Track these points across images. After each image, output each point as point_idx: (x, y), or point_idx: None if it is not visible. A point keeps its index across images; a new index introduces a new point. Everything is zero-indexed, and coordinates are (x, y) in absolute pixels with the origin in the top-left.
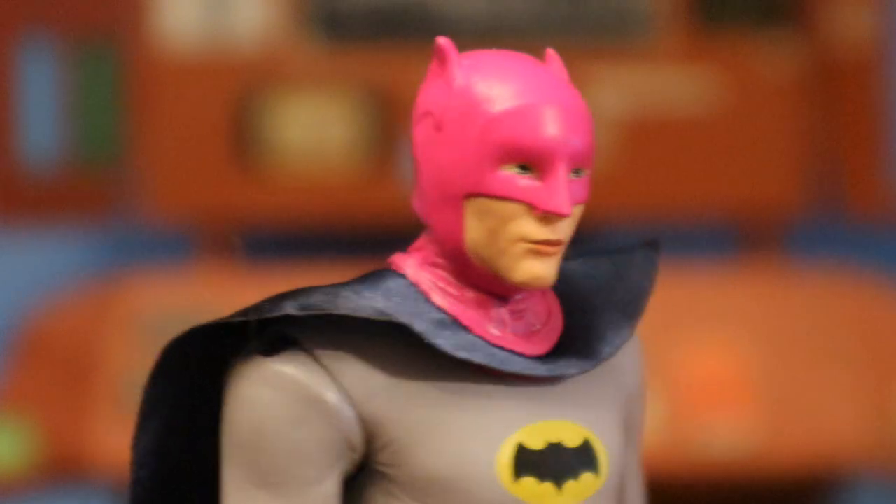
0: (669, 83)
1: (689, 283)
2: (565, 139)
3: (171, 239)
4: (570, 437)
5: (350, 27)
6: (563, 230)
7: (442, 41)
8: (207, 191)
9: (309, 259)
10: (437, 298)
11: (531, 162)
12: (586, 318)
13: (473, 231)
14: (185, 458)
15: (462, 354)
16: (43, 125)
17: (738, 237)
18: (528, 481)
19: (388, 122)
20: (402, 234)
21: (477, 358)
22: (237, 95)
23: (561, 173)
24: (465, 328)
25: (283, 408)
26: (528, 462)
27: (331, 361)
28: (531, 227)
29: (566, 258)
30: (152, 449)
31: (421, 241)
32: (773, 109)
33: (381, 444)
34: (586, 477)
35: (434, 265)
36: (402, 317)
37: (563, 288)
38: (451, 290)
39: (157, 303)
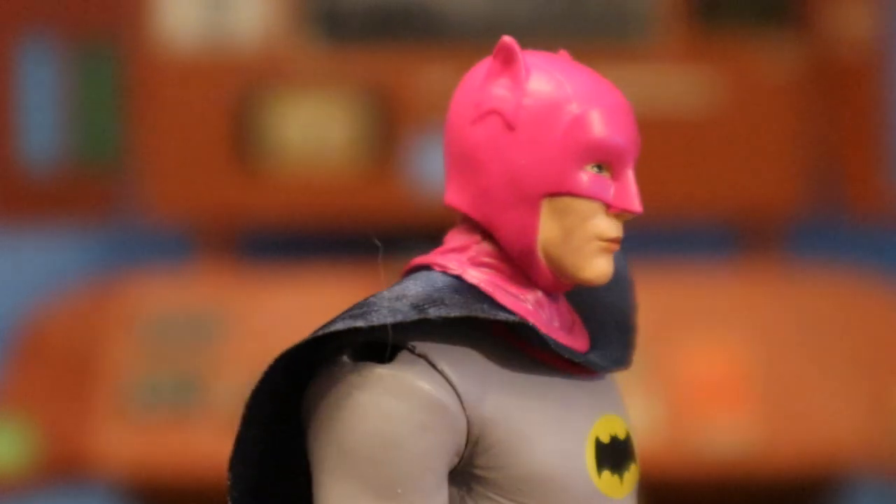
0: (669, 83)
1: (688, 284)
2: (637, 139)
3: (171, 239)
4: (621, 429)
5: (350, 27)
6: (622, 228)
7: (507, 40)
8: (207, 191)
9: (309, 259)
10: (502, 299)
11: (608, 161)
12: (594, 314)
13: (550, 231)
14: (282, 468)
15: (566, 355)
16: (43, 125)
17: (737, 237)
18: (607, 474)
19: (388, 121)
20: (401, 234)
21: (574, 357)
22: (237, 95)
23: (630, 172)
24: (535, 327)
25: (408, 416)
26: (603, 455)
27: (446, 366)
28: (606, 225)
29: None
30: (248, 460)
31: (462, 241)
32: (772, 110)
33: (485, 447)
34: (633, 468)
35: (486, 266)
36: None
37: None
38: (511, 290)
39: (157, 303)
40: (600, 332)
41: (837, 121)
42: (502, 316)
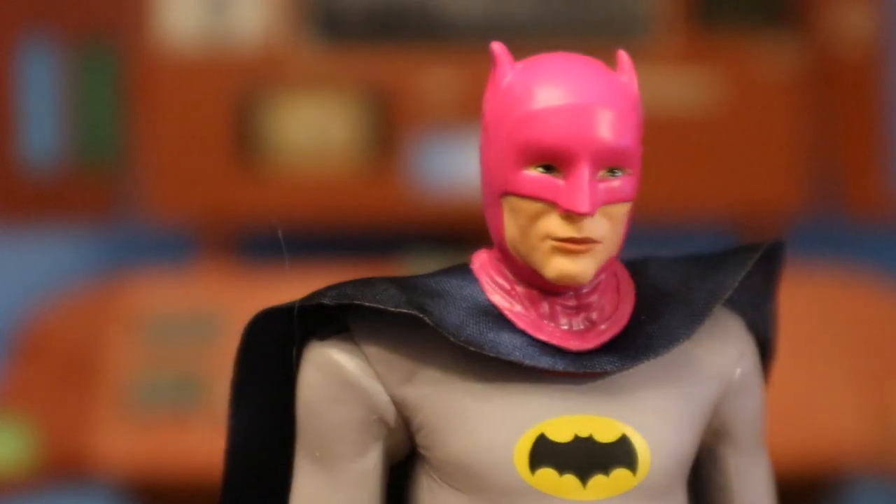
0: (670, 84)
1: None
2: (587, 140)
3: (171, 239)
4: (604, 432)
5: (350, 28)
6: (593, 229)
7: (495, 47)
8: (207, 191)
9: (309, 259)
10: (490, 291)
11: (554, 162)
12: (653, 316)
13: (510, 229)
14: (275, 438)
15: (473, 347)
16: (44, 125)
17: (737, 237)
18: (547, 472)
19: (388, 122)
20: (402, 234)
21: (491, 351)
22: (237, 96)
23: (583, 173)
24: (510, 321)
25: (324, 388)
26: (548, 454)
27: (370, 347)
28: (556, 225)
29: (653, 257)
30: (246, 430)
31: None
32: (772, 110)
33: (416, 427)
34: (620, 473)
35: (496, 260)
36: (436, 308)
37: (643, 285)
38: (504, 283)
39: (157, 303)
40: (642, 328)
41: (837, 121)
42: (384, 305)
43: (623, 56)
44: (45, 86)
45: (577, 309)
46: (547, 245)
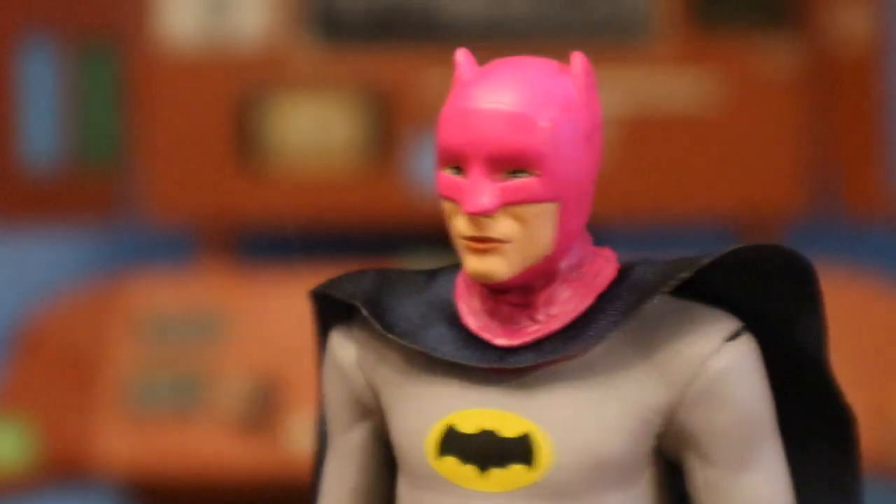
0: (669, 84)
1: None
2: (478, 142)
3: (171, 239)
4: (508, 427)
5: (350, 28)
6: (496, 228)
7: (459, 55)
8: (207, 191)
9: (309, 259)
10: (460, 287)
11: (457, 163)
12: (594, 316)
13: (451, 228)
14: None
15: (393, 336)
16: (44, 125)
17: (737, 237)
18: (451, 461)
19: (388, 122)
20: (402, 234)
21: (413, 343)
22: (237, 96)
23: (475, 174)
24: (458, 315)
25: (327, 369)
26: (454, 443)
27: (359, 334)
28: (462, 225)
29: (648, 259)
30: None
31: None
32: (772, 110)
33: (382, 411)
34: (516, 469)
35: None
36: (393, 300)
37: (619, 287)
38: (469, 278)
39: (157, 302)
40: (580, 327)
41: (836, 121)
42: (341, 297)
43: (576, 57)
44: (45, 86)
45: (523, 306)
46: (461, 244)
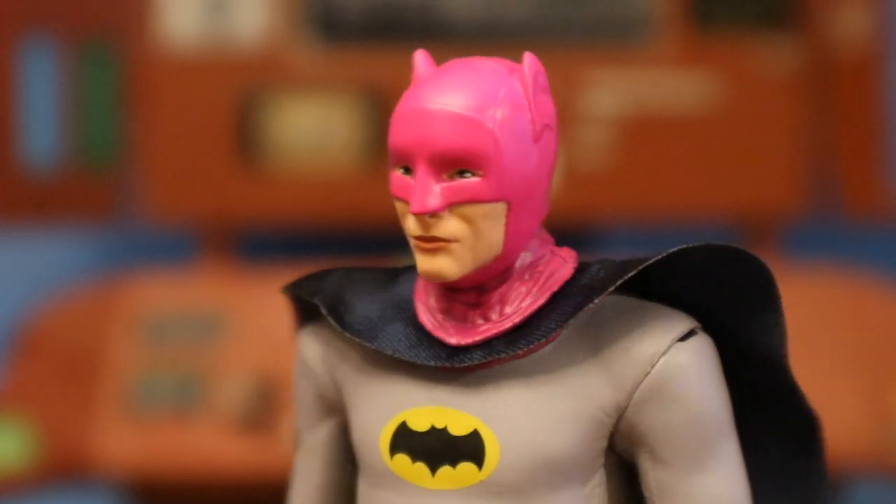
0: (668, 84)
1: None
2: (423, 143)
3: (172, 239)
4: (459, 425)
5: (349, 29)
6: (442, 228)
7: (417, 56)
8: (208, 191)
9: (309, 258)
10: (419, 287)
11: (405, 163)
12: (545, 315)
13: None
14: None
15: (350, 335)
16: (44, 125)
17: (736, 237)
18: (402, 458)
19: (388, 122)
20: (401, 234)
21: (366, 341)
22: (238, 96)
23: (421, 174)
24: (415, 314)
25: (296, 366)
26: (405, 441)
27: (325, 333)
28: (412, 224)
29: (603, 259)
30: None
31: None
32: (771, 110)
33: (346, 408)
34: (465, 467)
35: None
36: (354, 299)
37: (573, 287)
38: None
39: (158, 303)
40: (529, 326)
41: (836, 121)
42: (304, 295)
43: (527, 58)
44: (45, 86)
45: (476, 305)
46: (413, 243)
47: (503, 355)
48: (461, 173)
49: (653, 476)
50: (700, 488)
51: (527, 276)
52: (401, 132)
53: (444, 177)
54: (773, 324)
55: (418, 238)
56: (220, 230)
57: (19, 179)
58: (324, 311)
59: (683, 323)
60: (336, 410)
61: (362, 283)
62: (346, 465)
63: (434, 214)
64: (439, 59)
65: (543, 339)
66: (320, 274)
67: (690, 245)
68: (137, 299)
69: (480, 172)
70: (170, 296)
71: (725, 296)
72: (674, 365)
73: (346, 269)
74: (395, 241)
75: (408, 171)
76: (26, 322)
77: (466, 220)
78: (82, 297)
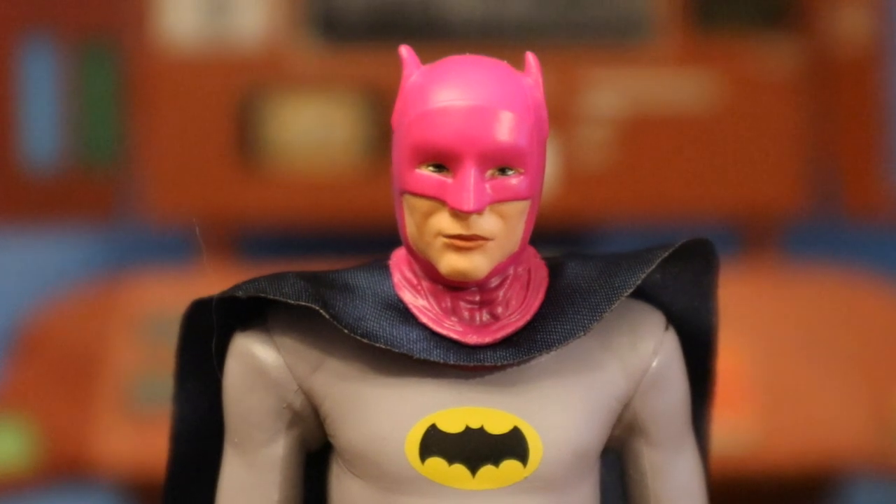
0: (668, 84)
1: None
2: (471, 140)
3: (171, 239)
4: (496, 424)
5: (349, 29)
6: (482, 226)
7: (403, 51)
8: (208, 191)
9: (309, 258)
10: (400, 286)
11: (443, 161)
12: (557, 311)
13: (410, 226)
14: (214, 425)
15: (367, 340)
16: (44, 125)
17: (736, 237)
18: (436, 462)
19: (388, 122)
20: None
21: (385, 344)
22: (238, 96)
23: (468, 172)
24: (413, 315)
25: (241, 377)
26: (438, 444)
27: (281, 338)
28: (446, 223)
29: (575, 254)
30: (187, 418)
31: None
32: (771, 110)
33: (323, 416)
34: (510, 464)
35: (407, 256)
36: (340, 301)
37: (558, 282)
38: (412, 278)
39: (157, 303)
40: (544, 324)
41: (836, 121)
42: (287, 298)
43: (530, 58)
44: (45, 86)
45: (481, 304)
46: (439, 242)
47: (537, 352)
48: (502, 171)
49: (647, 458)
50: (684, 463)
51: (520, 272)
52: (439, 129)
53: (487, 174)
54: (706, 309)
55: (455, 237)
56: (220, 230)
57: (19, 179)
58: (326, 313)
59: (660, 313)
60: (300, 421)
61: (328, 284)
62: (301, 479)
63: (479, 212)
64: (440, 58)
65: (582, 333)
66: (278, 277)
67: (686, 241)
68: (137, 299)
69: (521, 170)
70: (169, 296)
71: (669, 283)
72: (666, 355)
73: (298, 272)
74: (395, 240)
75: (439, 168)
76: (26, 322)
77: (504, 217)
78: (82, 297)
